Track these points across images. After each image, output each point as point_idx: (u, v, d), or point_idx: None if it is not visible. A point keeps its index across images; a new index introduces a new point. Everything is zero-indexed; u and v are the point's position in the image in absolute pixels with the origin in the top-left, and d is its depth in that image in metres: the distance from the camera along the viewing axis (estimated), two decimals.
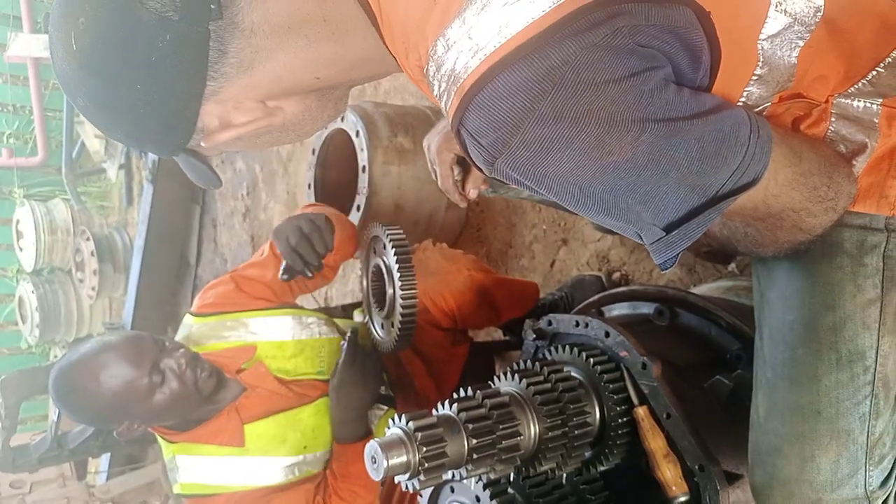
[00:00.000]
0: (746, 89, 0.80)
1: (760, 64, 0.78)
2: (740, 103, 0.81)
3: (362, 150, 2.29)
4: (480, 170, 0.76)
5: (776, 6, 0.75)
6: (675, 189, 0.71)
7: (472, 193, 1.27)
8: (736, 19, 0.75)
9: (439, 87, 0.74)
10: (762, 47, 0.77)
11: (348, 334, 1.68)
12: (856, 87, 0.84)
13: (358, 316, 1.87)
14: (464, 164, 1.27)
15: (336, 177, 2.56)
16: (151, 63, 0.76)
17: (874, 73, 0.83)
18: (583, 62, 0.65)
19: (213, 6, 0.75)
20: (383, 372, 1.79)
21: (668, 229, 0.74)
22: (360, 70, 0.86)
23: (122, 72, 0.77)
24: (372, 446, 0.87)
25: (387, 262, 1.43)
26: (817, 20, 0.77)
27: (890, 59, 0.81)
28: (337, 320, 1.92)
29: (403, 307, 1.38)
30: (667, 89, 0.69)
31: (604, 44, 0.66)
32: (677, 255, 0.75)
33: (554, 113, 0.66)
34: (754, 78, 0.79)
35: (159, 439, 1.72)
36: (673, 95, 0.69)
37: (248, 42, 0.78)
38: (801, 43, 0.78)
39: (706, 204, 0.73)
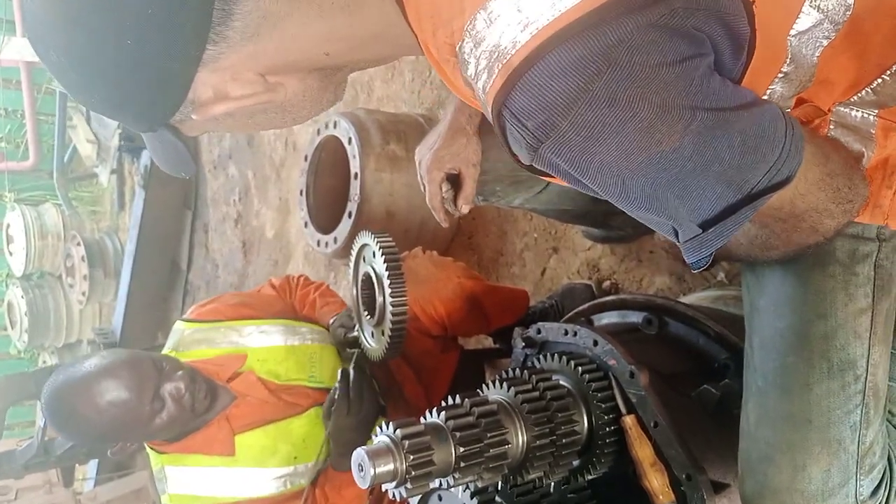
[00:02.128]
0: (771, 87, 0.78)
1: (788, 61, 0.76)
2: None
3: (354, 157, 2.29)
4: (516, 157, 0.73)
5: (811, 1, 0.73)
6: (713, 184, 0.69)
7: (464, 209, 1.27)
8: (773, 12, 0.72)
9: (477, 65, 0.67)
10: (791, 43, 0.75)
11: (338, 380, 1.62)
12: (858, 95, 0.84)
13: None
14: (454, 181, 1.27)
15: (328, 183, 2.56)
16: (147, 16, 0.66)
17: (879, 80, 0.82)
18: (638, 42, 0.62)
19: None
20: (378, 399, 1.73)
21: (704, 227, 0.71)
22: (369, 49, 0.79)
23: (111, 24, 0.67)
24: (359, 454, 0.86)
25: (377, 269, 1.43)
26: (846, 19, 0.75)
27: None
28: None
29: (393, 315, 1.38)
30: (713, 78, 0.67)
31: (660, 23, 0.62)
32: (711, 254, 0.73)
33: (608, 95, 0.62)
34: (780, 75, 0.77)
35: (148, 450, 1.71)
36: (719, 85, 0.67)
37: (256, 5, 0.69)
38: (826, 42, 0.76)
39: (742, 202, 0.70)
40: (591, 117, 0.63)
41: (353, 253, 1.51)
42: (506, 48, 0.64)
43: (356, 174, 2.27)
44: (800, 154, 0.72)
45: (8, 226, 5.45)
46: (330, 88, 0.83)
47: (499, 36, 0.64)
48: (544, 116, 0.64)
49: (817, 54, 0.77)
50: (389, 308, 1.38)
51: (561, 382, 1.11)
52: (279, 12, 0.71)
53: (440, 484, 0.94)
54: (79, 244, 5.04)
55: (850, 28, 0.77)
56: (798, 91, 0.82)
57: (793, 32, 0.75)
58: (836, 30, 0.76)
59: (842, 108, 0.86)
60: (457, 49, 0.69)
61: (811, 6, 0.73)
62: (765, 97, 0.79)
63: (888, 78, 0.82)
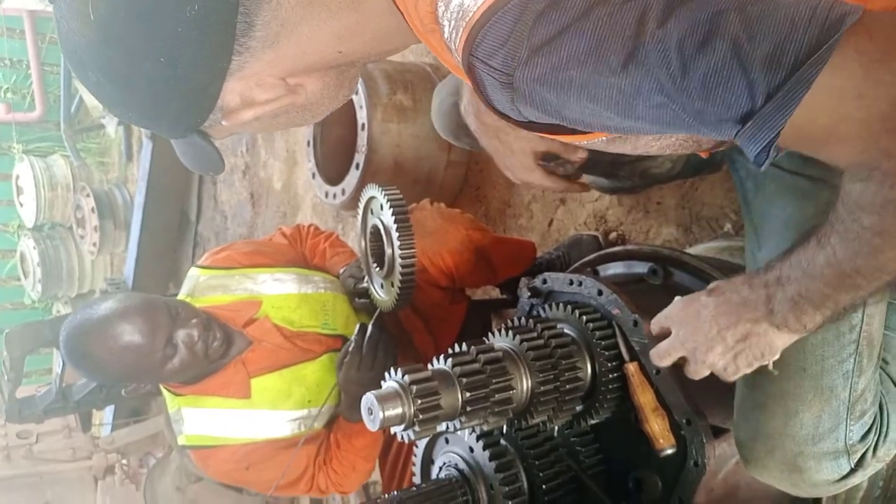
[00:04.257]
0: None
1: None
2: None
3: (361, 107, 2.28)
4: (496, 109, 0.74)
5: None
6: (732, 64, 0.61)
7: (581, 154, 1.20)
8: None
9: (449, 26, 0.71)
10: None
11: (355, 333, 1.64)
12: None
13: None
14: (549, 157, 1.21)
15: (335, 134, 2.56)
16: (178, 34, 0.72)
17: None
18: None
19: None
20: (394, 362, 1.72)
21: (747, 118, 0.63)
22: (378, 41, 0.84)
23: (145, 43, 0.73)
24: (369, 398, 0.89)
25: (385, 222, 1.44)
26: None
27: None
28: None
29: (402, 266, 1.40)
30: None
31: None
32: (776, 136, 0.63)
33: (560, 9, 0.64)
34: None
35: (164, 392, 1.75)
36: None
37: (274, 14, 0.75)
38: None
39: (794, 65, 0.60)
40: (546, 33, 0.65)
41: (361, 205, 1.52)
42: (468, 6, 0.68)
43: (363, 125, 2.26)
44: (846, 6, 0.60)
45: (17, 177, 5.46)
46: (345, 84, 0.88)
47: None
48: (506, 49, 0.67)
49: None
50: (398, 260, 1.40)
51: (565, 331, 1.13)
52: (295, 19, 0.76)
53: (447, 427, 0.97)
54: (88, 195, 5.06)
55: None
56: None
57: None
58: None
59: None
60: (435, 16, 0.73)
61: None
62: None
63: None
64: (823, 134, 0.64)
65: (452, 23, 0.71)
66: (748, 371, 0.89)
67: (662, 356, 0.96)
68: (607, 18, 0.64)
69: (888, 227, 0.66)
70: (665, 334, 0.98)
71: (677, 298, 0.97)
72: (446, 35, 0.73)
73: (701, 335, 0.89)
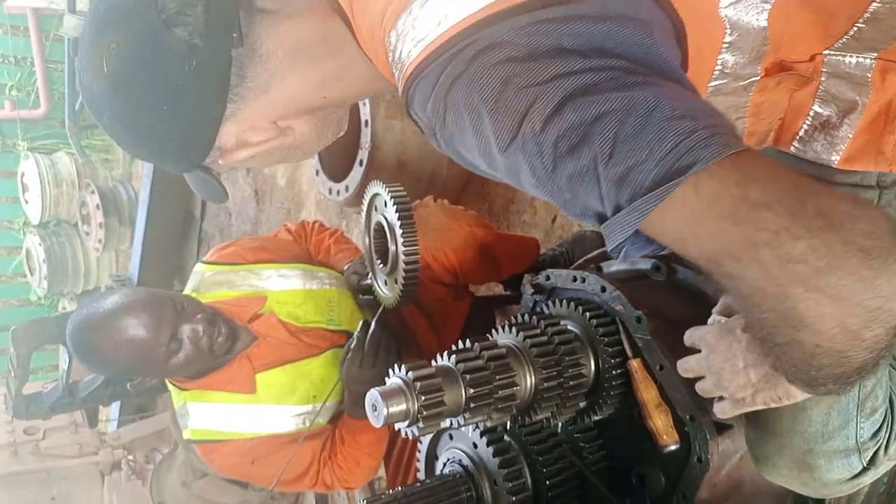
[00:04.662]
0: (720, 57, 0.81)
1: (728, 31, 0.79)
2: (716, 72, 0.82)
3: (364, 104, 2.28)
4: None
5: None
6: (590, 176, 0.67)
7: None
8: None
9: (395, 72, 0.80)
10: (726, 15, 0.78)
11: (358, 329, 1.65)
12: (841, 41, 0.84)
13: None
14: None
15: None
16: (177, 87, 0.83)
17: (855, 29, 0.82)
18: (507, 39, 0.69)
19: (235, 35, 0.83)
20: (398, 352, 1.71)
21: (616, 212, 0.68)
22: (359, 86, 0.93)
23: (149, 94, 0.84)
24: (373, 395, 0.90)
25: (388, 218, 1.44)
26: None
27: (868, 14, 0.81)
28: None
29: (406, 263, 1.40)
30: (569, 82, 0.67)
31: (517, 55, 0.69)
32: (623, 242, 0.69)
33: (465, 98, 0.71)
34: (725, 45, 0.80)
35: (170, 386, 1.76)
36: (579, 84, 0.67)
37: (264, 67, 0.85)
38: (768, 6, 0.78)
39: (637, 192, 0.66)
40: (455, 98, 0.72)
41: (365, 202, 1.52)
42: (404, 60, 0.77)
43: (367, 121, 2.26)
44: (708, 149, 0.64)
45: (23, 174, 5.48)
46: (333, 124, 0.99)
47: (401, 50, 0.77)
48: (430, 107, 0.76)
49: (763, 18, 0.79)
50: (402, 257, 1.40)
51: (569, 327, 1.13)
52: (283, 70, 0.87)
53: (451, 423, 0.97)
54: (93, 192, 5.07)
55: None
56: (756, 58, 0.82)
57: (723, 5, 0.77)
58: None
59: (834, 57, 0.86)
60: (390, 64, 0.81)
61: None
62: (718, 68, 0.81)
63: (864, 25, 0.82)
64: (674, 246, 0.69)
65: (397, 73, 0.79)
66: (762, 408, 0.90)
67: (687, 370, 0.98)
68: (503, 100, 0.69)
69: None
70: (695, 349, 0.98)
71: (717, 323, 0.95)
72: (396, 81, 0.81)
73: (728, 365, 0.89)
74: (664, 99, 0.65)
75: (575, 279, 1.20)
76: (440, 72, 0.72)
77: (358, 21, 0.84)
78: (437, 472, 1.24)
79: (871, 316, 0.60)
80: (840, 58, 0.86)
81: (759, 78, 0.85)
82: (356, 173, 2.33)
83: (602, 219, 0.69)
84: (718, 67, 0.82)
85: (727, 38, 0.79)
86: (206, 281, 1.78)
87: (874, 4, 0.79)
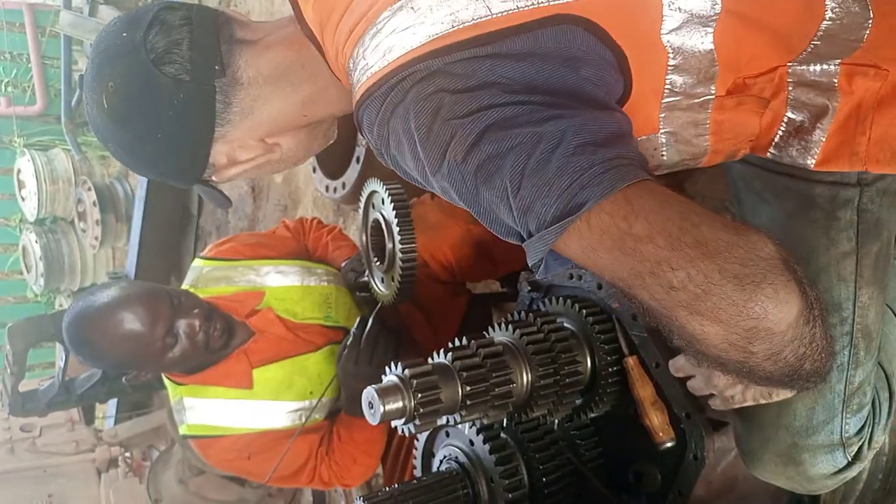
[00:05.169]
0: (668, 77, 0.83)
1: (671, 55, 0.82)
2: (667, 90, 0.84)
3: None
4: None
5: (669, 5, 0.79)
6: (500, 204, 0.77)
7: None
8: (632, 23, 0.79)
9: (354, 95, 0.88)
10: (668, 41, 0.81)
11: (355, 326, 1.65)
12: (801, 56, 0.86)
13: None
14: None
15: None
16: (169, 117, 0.93)
17: (811, 46, 0.85)
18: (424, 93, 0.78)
19: (217, 67, 0.93)
20: (395, 349, 1.69)
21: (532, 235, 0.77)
22: (337, 105, 1.01)
23: (145, 125, 0.95)
24: (369, 392, 0.90)
25: (386, 216, 1.44)
26: (717, 12, 0.80)
27: (821, 32, 0.83)
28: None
29: (403, 261, 1.40)
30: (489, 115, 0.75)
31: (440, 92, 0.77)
32: (540, 261, 0.78)
33: (403, 126, 0.80)
34: (671, 67, 0.83)
35: (166, 382, 1.76)
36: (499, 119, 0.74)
37: (247, 93, 0.96)
38: (710, 30, 0.81)
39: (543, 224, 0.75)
40: (396, 125, 0.81)
41: (362, 200, 1.52)
42: (356, 84, 0.86)
43: None
44: (601, 185, 0.70)
45: (19, 171, 5.45)
46: (319, 136, 1.09)
47: (355, 75, 0.86)
48: (376, 130, 0.85)
49: (709, 41, 0.81)
50: (399, 254, 1.40)
51: (565, 325, 1.13)
52: (264, 94, 0.97)
53: (447, 421, 0.98)
54: (90, 189, 5.05)
55: (737, 18, 0.80)
56: (706, 78, 0.84)
57: (664, 31, 0.80)
58: (711, 22, 0.80)
59: (798, 67, 0.88)
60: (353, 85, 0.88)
61: (671, 9, 0.79)
62: (667, 87, 0.84)
63: (819, 42, 0.84)
64: (582, 266, 0.78)
65: (355, 95, 0.87)
66: (751, 404, 0.94)
67: (678, 370, 1.01)
68: (433, 131, 0.77)
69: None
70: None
71: None
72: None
73: None
74: (571, 132, 0.72)
75: (571, 276, 1.21)
76: (383, 99, 0.81)
77: (327, 47, 0.91)
78: (434, 469, 1.24)
79: (750, 335, 0.65)
80: (804, 67, 0.87)
81: (713, 97, 0.86)
82: (353, 171, 2.32)
83: (522, 239, 0.78)
84: (668, 87, 0.84)
85: (671, 62, 0.82)
86: (203, 276, 1.78)
87: (824, 23, 0.82)
